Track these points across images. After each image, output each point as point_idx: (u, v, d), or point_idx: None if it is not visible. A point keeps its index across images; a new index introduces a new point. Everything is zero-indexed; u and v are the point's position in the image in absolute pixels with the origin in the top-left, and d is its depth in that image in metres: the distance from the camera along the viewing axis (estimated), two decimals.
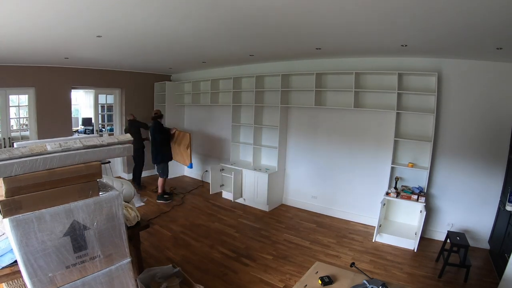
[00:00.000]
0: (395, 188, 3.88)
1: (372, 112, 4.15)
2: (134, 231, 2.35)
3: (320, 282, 1.73)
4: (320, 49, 3.79)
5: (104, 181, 1.75)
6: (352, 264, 1.90)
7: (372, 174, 4.25)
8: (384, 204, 3.83)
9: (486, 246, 3.59)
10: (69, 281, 1.39)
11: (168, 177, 6.65)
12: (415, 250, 3.52)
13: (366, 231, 4.08)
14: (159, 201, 5.10)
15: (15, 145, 1.57)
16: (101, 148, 1.51)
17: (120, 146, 1.59)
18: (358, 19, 2.47)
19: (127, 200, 2.53)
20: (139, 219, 2.41)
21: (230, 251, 3.49)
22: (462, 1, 1.88)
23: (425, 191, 3.74)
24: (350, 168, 4.47)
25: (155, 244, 3.59)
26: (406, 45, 3.23)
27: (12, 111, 5.15)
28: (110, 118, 6.53)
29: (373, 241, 3.78)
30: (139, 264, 2.54)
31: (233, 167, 5.15)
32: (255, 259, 3.32)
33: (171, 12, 2.41)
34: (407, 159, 3.95)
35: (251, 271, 3.07)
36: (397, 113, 3.85)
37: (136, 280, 2.16)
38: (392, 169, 3.93)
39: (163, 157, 5.13)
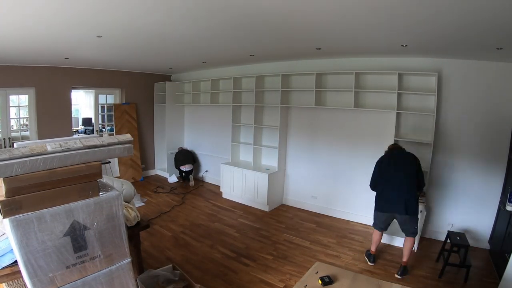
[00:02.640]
0: None
1: (372, 112, 4.15)
2: (134, 231, 2.35)
3: (320, 282, 1.73)
4: (320, 49, 3.78)
5: (104, 181, 1.75)
6: None
7: None
8: None
9: (486, 246, 3.59)
10: (69, 281, 1.39)
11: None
12: (415, 250, 3.51)
13: (366, 231, 4.08)
14: None
15: (15, 145, 1.57)
16: (101, 148, 1.51)
17: (120, 146, 1.59)
18: (358, 20, 2.46)
19: (127, 200, 2.53)
20: (139, 219, 2.42)
21: (230, 251, 3.49)
22: (462, 1, 1.88)
23: (425, 191, 3.74)
24: (350, 168, 4.47)
25: (155, 244, 3.59)
26: (406, 45, 3.23)
27: (12, 111, 5.14)
28: (110, 118, 6.53)
29: None
30: (139, 264, 2.54)
31: (233, 167, 5.15)
32: (255, 259, 3.32)
33: (171, 12, 2.41)
34: None
35: (251, 271, 3.07)
36: (397, 113, 3.84)
37: (136, 280, 2.17)
38: None
39: None
